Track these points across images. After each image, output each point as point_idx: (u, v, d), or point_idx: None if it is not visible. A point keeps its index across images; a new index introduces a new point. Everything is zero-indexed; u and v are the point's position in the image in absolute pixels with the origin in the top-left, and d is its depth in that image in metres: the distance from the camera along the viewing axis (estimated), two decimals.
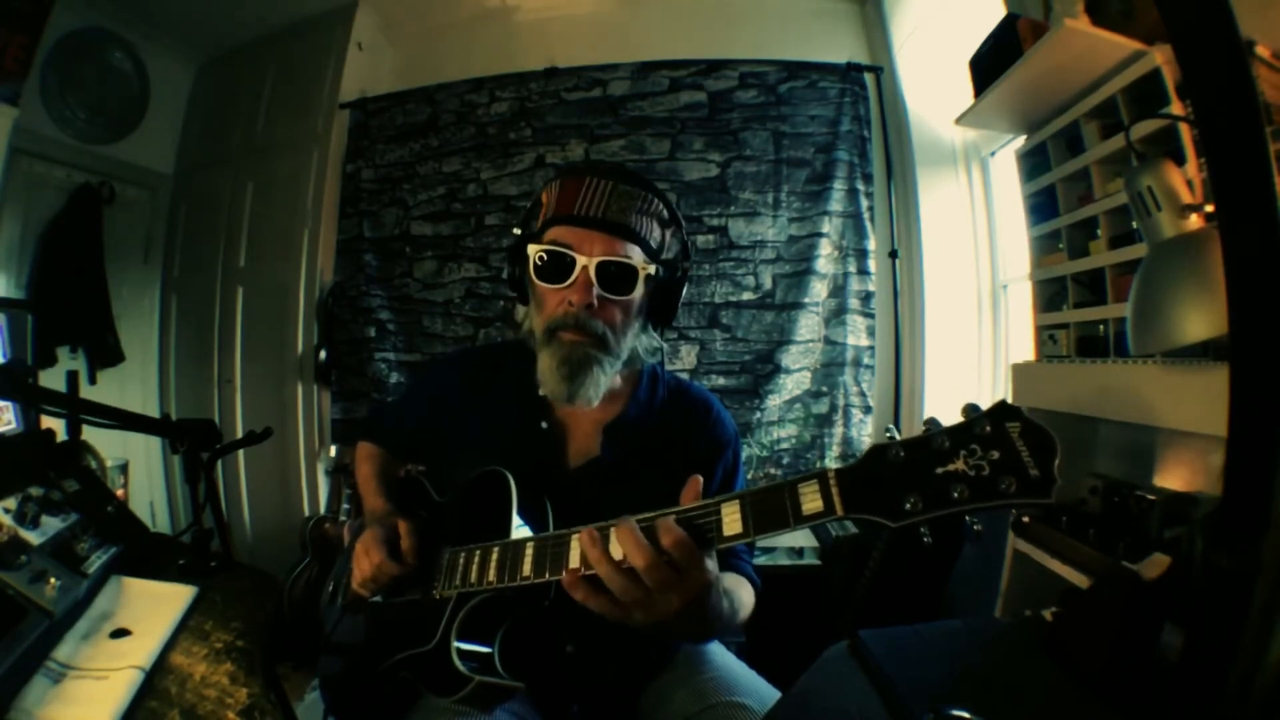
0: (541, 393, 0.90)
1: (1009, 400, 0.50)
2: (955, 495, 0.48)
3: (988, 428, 0.49)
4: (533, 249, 0.85)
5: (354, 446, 1.13)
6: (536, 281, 0.86)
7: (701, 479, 0.64)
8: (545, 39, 2.52)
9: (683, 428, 0.94)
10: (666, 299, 0.90)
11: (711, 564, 0.61)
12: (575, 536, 0.67)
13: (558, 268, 0.83)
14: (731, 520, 0.58)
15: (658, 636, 0.64)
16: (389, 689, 0.84)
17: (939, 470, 0.49)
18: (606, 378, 0.86)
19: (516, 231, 0.90)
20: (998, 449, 0.48)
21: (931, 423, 0.52)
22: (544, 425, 0.91)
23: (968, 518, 0.49)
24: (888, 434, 0.54)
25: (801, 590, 1.96)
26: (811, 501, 0.54)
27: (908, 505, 0.49)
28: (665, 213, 0.89)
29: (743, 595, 0.86)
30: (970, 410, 0.51)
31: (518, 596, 0.74)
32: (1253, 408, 0.45)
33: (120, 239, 2.70)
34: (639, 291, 0.85)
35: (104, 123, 2.58)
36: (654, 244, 0.87)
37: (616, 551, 0.60)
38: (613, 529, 0.62)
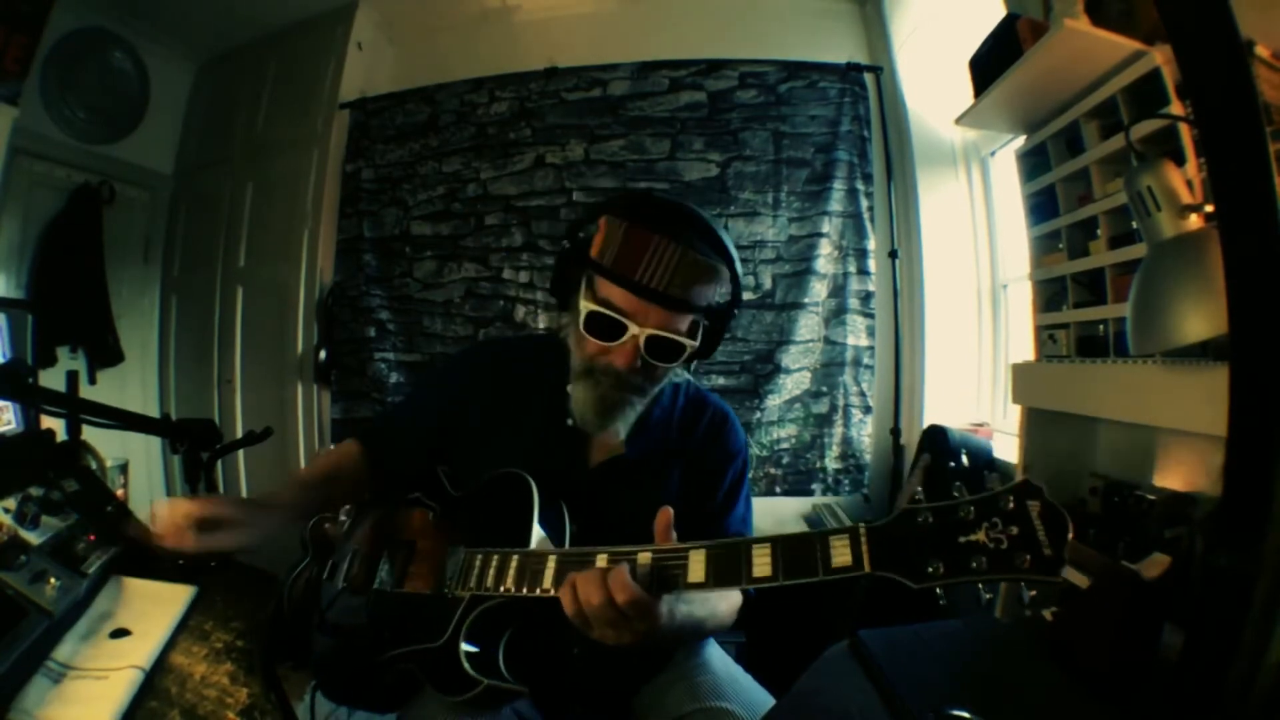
0: (571, 421, 0.91)
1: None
2: (974, 565, 0.51)
3: (1010, 504, 0.51)
4: (584, 305, 0.83)
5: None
6: (582, 331, 0.84)
7: (672, 511, 0.68)
8: (545, 39, 2.51)
9: (699, 434, 0.97)
10: (710, 342, 0.89)
11: (664, 608, 0.66)
12: (600, 555, 0.69)
13: (607, 328, 0.82)
14: (762, 563, 0.60)
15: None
16: (390, 678, 0.85)
17: (961, 539, 0.52)
18: (636, 413, 0.89)
19: (565, 245, 0.88)
20: (1017, 525, 0.51)
21: (957, 481, 0.56)
22: (570, 421, 0.92)
23: (980, 586, 0.53)
24: (917, 498, 0.57)
25: (801, 590, 1.95)
26: (841, 555, 0.57)
27: (930, 569, 0.52)
28: (727, 271, 0.85)
29: (719, 608, 0.86)
30: (994, 480, 0.53)
31: (529, 604, 0.75)
32: (1253, 408, 0.45)
33: (120, 239, 2.70)
34: (682, 358, 0.86)
35: (104, 123, 2.58)
36: (710, 304, 0.85)
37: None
38: (578, 575, 0.66)
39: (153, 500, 0.83)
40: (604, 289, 0.82)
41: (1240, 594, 0.44)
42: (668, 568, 0.64)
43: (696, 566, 0.63)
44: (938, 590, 0.53)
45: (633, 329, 0.80)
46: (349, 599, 0.95)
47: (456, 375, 1.06)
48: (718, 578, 0.62)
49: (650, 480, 0.92)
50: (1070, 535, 0.49)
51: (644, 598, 0.63)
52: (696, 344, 0.85)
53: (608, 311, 0.81)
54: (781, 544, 0.60)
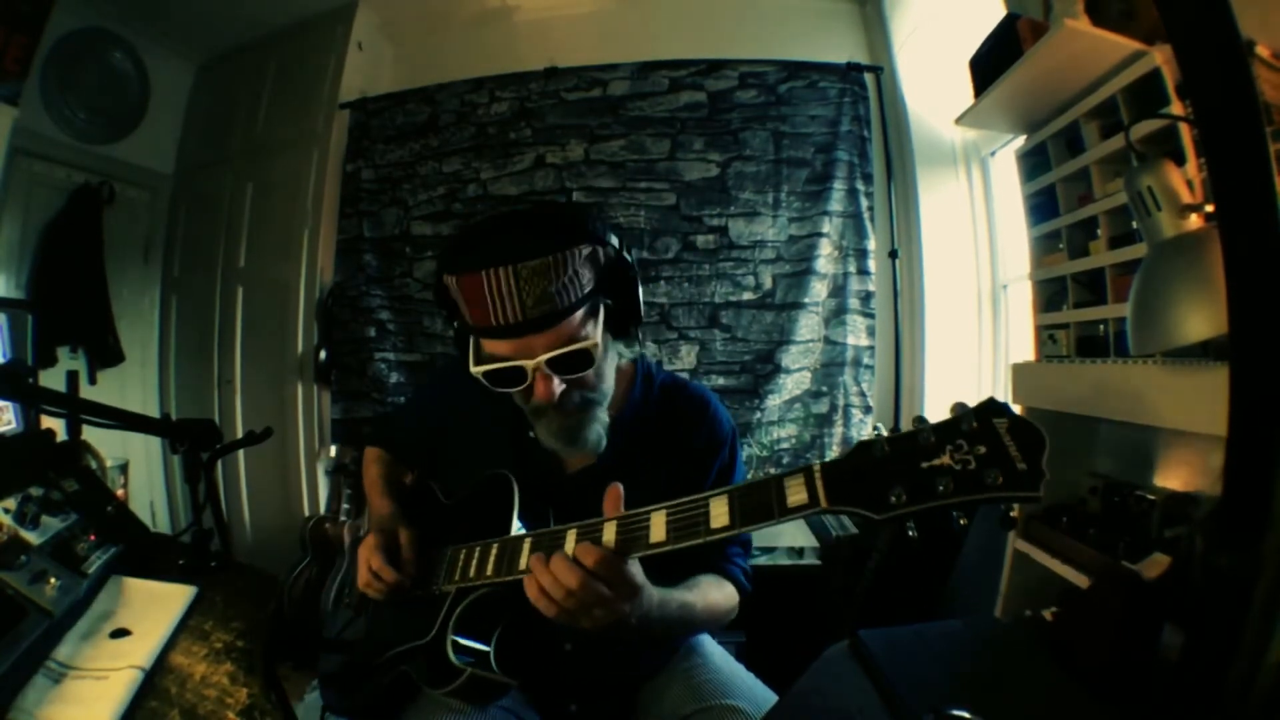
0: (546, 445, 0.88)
1: (1009, 399, 0.51)
2: (940, 489, 0.48)
3: (975, 424, 0.49)
4: (475, 370, 0.80)
5: (353, 446, 1.14)
6: (495, 389, 0.81)
7: (621, 487, 0.68)
8: (545, 39, 2.51)
9: (679, 427, 0.94)
10: (625, 312, 0.84)
11: (639, 577, 0.66)
12: (570, 531, 0.69)
13: (508, 377, 0.79)
14: (719, 514, 0.59)
15: (611, 634, 0.69)
16: (386, 681, 0.85)
17: (924, 465, 0.49)
18: (604, 421, 0.85)
19: (444, 313, 0.85)
20: (985, 444, 0.48)
21: (919, 421, 0.53)
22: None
23: (953, 512, 0.49)
24: (876, 432, 0.56)
25: (801, 590, 1.96)
26: (796, 494, 0.55)
27: (892, 498, 0.49)
28: (582, 249, 0.77)
29: (710, 595, 0.85)
30: (958, 408, 0.51)
31: (515, 593, 0.75)
32: (1253, 408, 0.45)
33: (120, 239, 2.69)
34: (599, 354, 0.80)
35: (104, 123, 2.58)
36: (590, 286, 0.78)
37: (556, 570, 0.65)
38: (554, 556, 0.66)
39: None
40: (485, 345, 0.80)
41: (1240, 594, 0.43)
42: (631, 530, 0.64)
43: (658, 527, 0.63)
44: (908, 525, 0.51)
45: (527, 364, 0.77)
46: (354, 617, 0.95)
47: (435, 395, 1.07)
48: (679, 534, 0.61)
49: (630, 484, 0.87)
50: (1046, 449, 0.46)
51: (613, 557, 0.63)
52: (597, 337, 0.79)
53: (496, 366, 0.78)
54: (738, 493, 0.59)
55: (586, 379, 0.81)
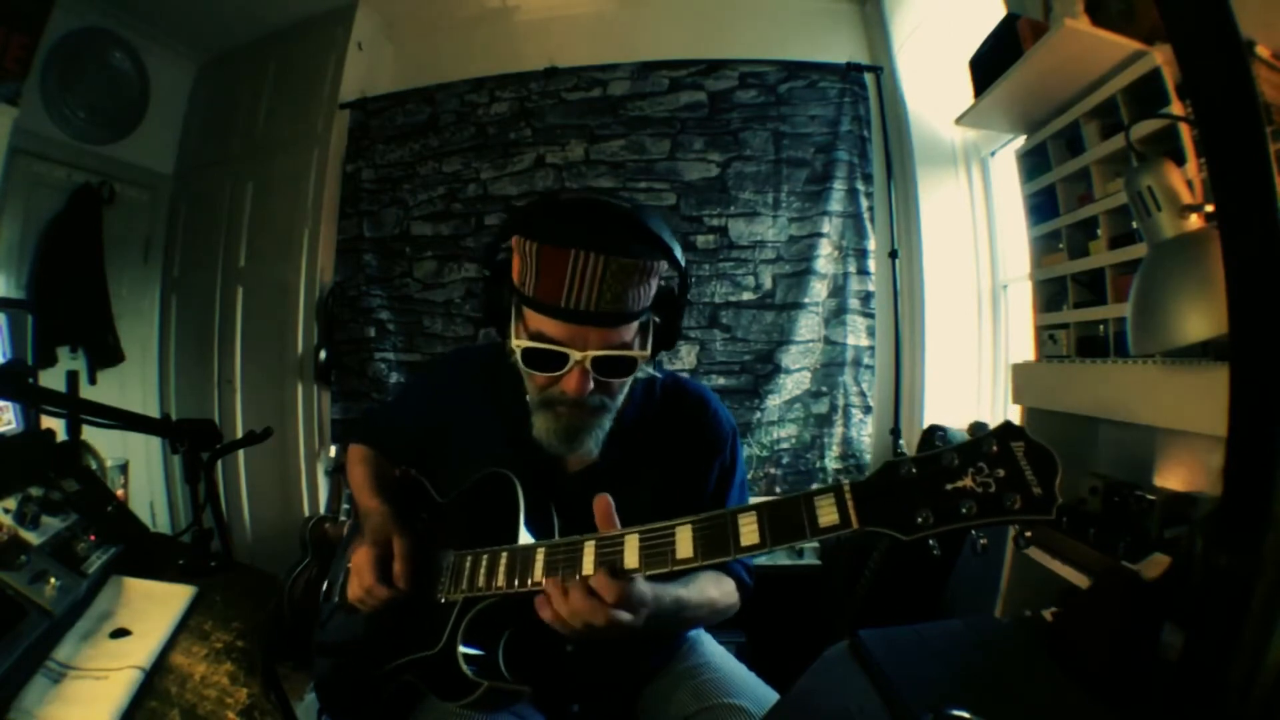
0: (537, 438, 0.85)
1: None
2: (964, 511, 0.50)
3: (994, 447, 0.51)
4: (516, 344, 0.78)
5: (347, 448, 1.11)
6: (523, 367, 0.80)
7: (610, 499, 0.68)
8: (545, 39, 2.51)
9: (679, 427, 0.93)
10: (667, 333, 0.84)
11: (641, 592, 0.66)
12: (588, 543, 0.68)
13: (548, 360, 0.77)
14: (749, 531, 0.59)
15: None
16: (390, 690, 0.84)
17: (948, 486, 0.52)
18: (605, 431, 0.85)
19: (486, 273, 0.84)
20: (1003, 467, 0.50)
21: (937, 433, 0.54)
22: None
23: (974, 532, 0.52)
24: (898, 452, 0.56)
25: (801, 590, 1.96)
26: (828, 514, 0.56)
27: (919, 520, 0.52)
28: (663, 259, 0.78)
29: (708, 591, 0.85)
30: (977, 429, 0.52)
31: (524, 602, 0.75)
32: (1253, 408, 0.45)
33: (120, 239, 2.70)
34: (639, 367, 0.81)
35: (104, 123, 2.58)
36: (651, 299, 0.79)
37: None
38: (571, 589, 0.66)
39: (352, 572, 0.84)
40: (533, 320, 0.77)
41: (1240, 594, 0.44)
42: (655, 546, 0.64)
43: (684, 542, 0.62)
44: (930, 541, 0.53)
45: (574, 356, 0.76)
46: (346, 616, 0.93)
47: (432, 388, 1.04)
48: (706, 551, 0.61)
49: (631, 485, 0.84)
50: (1059, 473, 0.48)
51: (630, 587, 0.64)
52: (648, 351, 0.80)
53: (543, 345, 0.76)
54: (767, 509, 0.59)
55: (614, 385, 0.81)
